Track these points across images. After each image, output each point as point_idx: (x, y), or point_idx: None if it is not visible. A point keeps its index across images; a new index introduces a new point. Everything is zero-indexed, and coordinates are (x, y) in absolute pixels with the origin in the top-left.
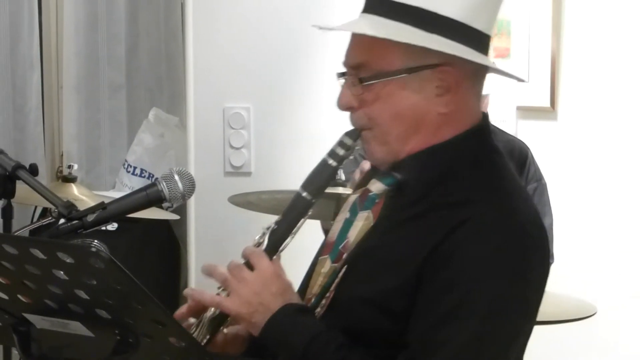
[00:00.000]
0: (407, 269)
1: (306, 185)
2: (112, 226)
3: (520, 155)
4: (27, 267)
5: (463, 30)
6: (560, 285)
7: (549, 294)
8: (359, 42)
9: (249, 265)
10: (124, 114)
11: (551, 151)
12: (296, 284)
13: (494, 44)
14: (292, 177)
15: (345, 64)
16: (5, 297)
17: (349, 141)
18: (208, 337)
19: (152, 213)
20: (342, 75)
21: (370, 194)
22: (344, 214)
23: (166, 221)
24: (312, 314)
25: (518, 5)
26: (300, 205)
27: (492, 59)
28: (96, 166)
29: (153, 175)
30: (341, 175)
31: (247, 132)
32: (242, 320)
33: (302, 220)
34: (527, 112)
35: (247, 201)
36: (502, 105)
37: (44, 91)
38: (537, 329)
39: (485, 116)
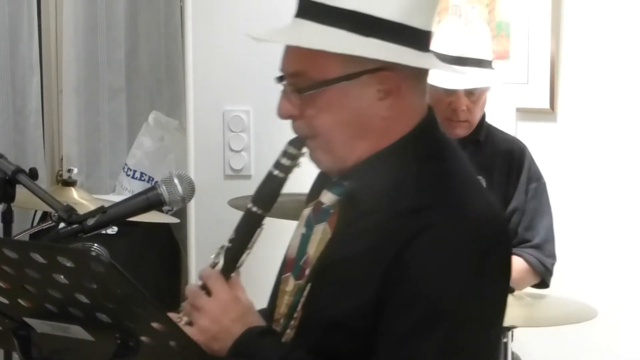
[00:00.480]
0: (368, 286)
1: (255, 199)
2: (112, 230)
3: (520, 155)
4: (27, 271)
5: (401, 30)
6: (561, 287)
7: (549, 297)
8: (295, 50)
9: (207, 289)
10: (124, 118)
11: (551, 153)
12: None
13: (493, 44)
14: (292, 181)
15: (282, 71)
16: (5, 301)
17: (293, 150)
18: None
19: (152, 216)
20: (280, 80)
21: (323, 206)
22: (300, 229)
23: (166, 224)
24: (275, 335)
25: (517, 7)
26: (251, 220)
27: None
28: (96, 170)
29: (153, 179)
30: None
31: (247, 135)
32: (206, 349)
33: (256, 234)
34: (526, 113)
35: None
36: (502, 107)
37: (43, 94)
38: (538, 331)
39: (430, 110)
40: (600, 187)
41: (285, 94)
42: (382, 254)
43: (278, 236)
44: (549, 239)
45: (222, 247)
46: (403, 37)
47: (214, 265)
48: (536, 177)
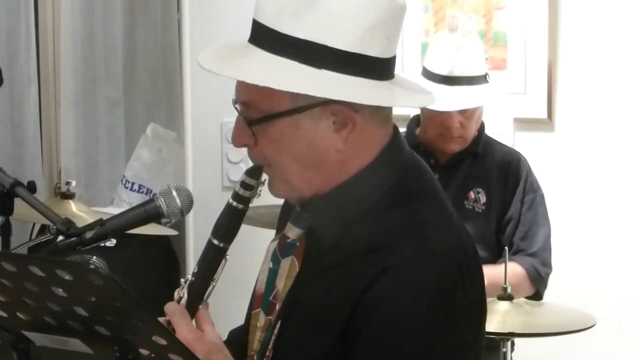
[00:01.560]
0: (333, 330)
1: (215, 232)
2: (111, 242)
3: (518, 167)
4: (26, 284)
5: (355, 60)
6: (559, 296)
7: (547, 305)
8: (245, 82)
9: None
10: (122, 130)
11: (548, 162)
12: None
13: (490, 54)
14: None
15: (236, 97)
16: (4, 314)
17: (250, 181)
18: None
19: (150, 229)
20: (235, 103)
21: (288, 240)
22: (267, 264)
23: (165, 237)
24: None
25: (514, 17)
26: (213, 253)
27: (483, 72)
28: (94, 182)
29: (151, 191)
30: None
31: None
32: None
33: (220, 266)
34: (524, 123)
35: (245, 216)
36: (499, 117)
37: (41, 107)
38: (536, 340)
39: (395, 131)
40: (597, 196)
41: (238, 122)
42: (345, 296)
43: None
44: (545, 248)
45: (185, 281)
46: (359, 67)
47: (179, 300)
48: (534, 189)
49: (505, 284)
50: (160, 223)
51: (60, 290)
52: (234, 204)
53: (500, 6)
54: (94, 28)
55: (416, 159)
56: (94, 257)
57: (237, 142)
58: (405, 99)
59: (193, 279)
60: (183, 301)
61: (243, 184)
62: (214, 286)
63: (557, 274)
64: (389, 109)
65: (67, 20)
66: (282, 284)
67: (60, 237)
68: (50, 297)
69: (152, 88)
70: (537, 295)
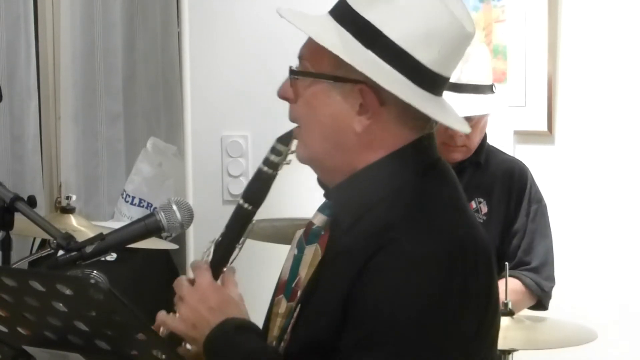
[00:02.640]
0: (336, 307)
1: (245, 195)
2: (111, 256)
3: (521, 177)
4: (27, 299)
5: (402, 57)
6: (560, 309)
7: (548, 320)
8: (308, 38)
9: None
10: (122, 144)
11: (549, 175)
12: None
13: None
14: (290, 205)
15: (298, 55)
16: (5, 329)
17: (281, 147)
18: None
19: (151, 243)
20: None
21: (314, 227)
22: (292, 251)
23: (165, 251)
24: (251, 328)
25: (514, 30)
26: (241, 216)
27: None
28: (94, 196)
29: (152, 205)
30: None
31: (245, 160)
32: (184, 337)
33: (247, 229)
34: (524, 136)
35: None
36: (500, 130)
37: (41, 121)
38: (537, 354)
39: (426, 135)
40: (598, 209)
41: (288, 77)
42: (347, 273)
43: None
44: (548, 262)
45: (212, 241)
46: (402, 64)
47: (204, 259)
48: (537, 199)
49: (505, 299)
50: (160, 237)
51: (61, 304)
52: (264, 168)
53: (500, 19)
54: (94, 42)
55: (443, 164)
56: (95, 272)
57: (280, 92)
58: (434, 111)
59: (220, 238)
60: (208, 260)
61: (274, 150)
62: (239, 250)
63: (558, 287)
64: (422, 117)
65: (67, 33)
66: (305, 272)
67: (61, 252)
68: (51, 311)
69: (152, 102)
70: (541, 306)
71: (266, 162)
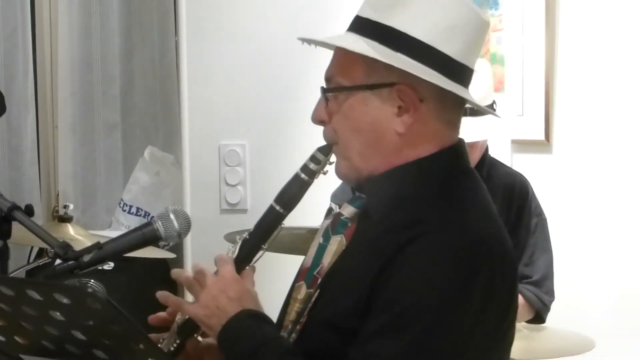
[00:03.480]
0: (360, 290)
1: (278, 198)
2: (109, 266)
3: (521, 190)
4: (24, 308)
5: (430, 52)
6: (558, 320)
7: (547, 330)
8: (334, 57)
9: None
10: (120, 153)
11: (546, 184)
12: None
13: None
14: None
15: (324, 78)
16: (2, 338)
17: (320, 156)
18: (178, 342)
19: (148, 252)
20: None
21: (342, 217)
22: (318, 240)
23: (163, 260)
24: (266, 320)
25: (512, 38)
26: (272, 217)
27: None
28: (92, 205)
29: (149, 214)
30: (336, 209)
31: (242, 169)
32: (201, 324)
33: (275, 232)
34: (522, 145)
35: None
36: (497, 139)
37: (39, 131)
38: None
39: (459, 142)
40: (596, 218)
41: (320, 100)
42: (375, 262)
43: (277, 271)
44: (549, 276)
45: (240, 238)
46: (431, 59)
47: (229, 254)
48: (537, 213)
49: None
50: (158, 246)
51: (58, 314)
52: (301, 175)
53: (498, 28)
54: (92, 52)
55: (473, 171)
56: (92, 281)
57: (313, 117)
58: (466, 95)
59: (248, 237)
60: (233, 255)
61: (313, 158)
62: (264, 250)
63: (556, 297)
64: (456, 114)
65: (64, 44)
66: (328, 261)
67: (58, 261)
68: (48, 321)
69: (150, 111)
70: (539, 319)
71: (304, 169)
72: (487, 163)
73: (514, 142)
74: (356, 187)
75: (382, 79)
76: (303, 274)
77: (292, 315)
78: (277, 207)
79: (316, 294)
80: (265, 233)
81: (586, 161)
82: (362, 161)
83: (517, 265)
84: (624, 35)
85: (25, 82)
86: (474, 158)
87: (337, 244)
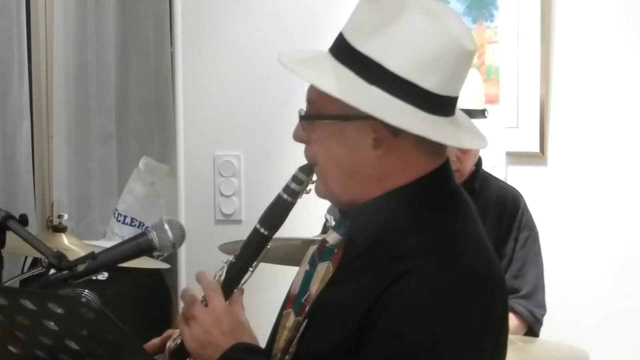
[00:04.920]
0: (352, 324)
1: (263, 220)
2: (103, 275)
3: (513, 204)
4: (18, 317)
5: (406, 87)
6: (553, 332)
7: (540, 342)
8: None
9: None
10: (114, 163)
11: (541, 196)
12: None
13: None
14: (283, 225)
15: (306, 97)
16: None
17: (302, 176)
18: None
19: (142, 262)
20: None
21: (327, 244)
22: (304, 266)
23: (157, 270)
24: (260, 353)
25: (507, 51)
26: (257, 239)
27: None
28: (87, 215)
29: (144, 224)
30: (331, 221)
31: (237, 180)
32: (194, 355)
33: (261, 255)
34: (516, 157)
35: (238, 249)
36: (492, 151)
37: (34, 140)
38: None
39: (443, 165)
40: (590, 231)
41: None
42: (367, 294)
43: (271, 281)
44: (539, 288)
45: (226, 262)
46: (408, 94)
47: (217, 278)
48: (528, 227)
49: None
50: (152, 256)
51: (52, 323)
52: (284, 196)
53: (493, 40)
54: (87, 61)
55: (462, 193)
56: (86, 291)
57: (294, 136)
58: (444, 136)
59: (234, 260)
60: (220, 280)
61: (295, 178)
62: (251, 273)
63: (550, 309)
64: (439, 144)
65: (60, 53)
66: (316, 288)
67: (52, 271)
68: (42, 330)
69: (145, 121)
70: (532, 333)
71: (286, 189)
72: (480, 176)
73: (508, 154)
74: (342, 214)
75: (356, 111)
76: (291, 302)
77: (280, 343)
78: (262, 230)
79: (304, 323)
80: (252, 255)
81: (581, 173)
82: (341, 189)
83: (507, 292)
84: (618, 47)
85: (20, 91)
86: (466, 165)
87: (324, 270)
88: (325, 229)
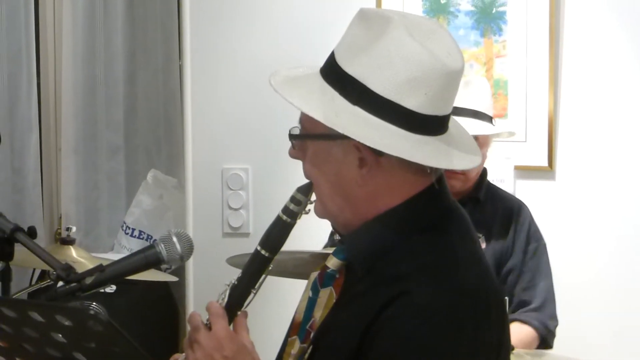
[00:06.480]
0: (351, 350)
1: (263, 242)
2: (111, 288)
3: (519, 215)
4: (26, 330)
5: (389, 107)
6: (560, 345)
7: (549, 356)
8: None
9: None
10: (123, 176)
11: (549, 210)
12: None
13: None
14: (290, 239)
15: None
16: None
17: (300, 197)
18: None
19: (150, 275)
20: None
21: (328, 270)
22: (307, 293)
23: (165, 283)
24: None
25: (515, 65)
26: (258, 261)
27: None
28: (95, 228)
29: (151, 237)
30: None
31: (245, 193)
32: None
33: (263, 276)
34: (524, 171)
35: (242, 267)
36: (500, 165)
37: (42, 153)
38: None
39: (437, 180)
40: (599, 245)
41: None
42: (363, 319)
43: (280, 294)
44: (550, 300)
45: (228, 284)
46: (391, 114)
47: (220, 300)
48: (536, 238)
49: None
50: (160, 269)
51: (60, 335)
52: (284, 217)
53: (501, 54)
54: (96, 75)
55: (456, 209)
56: (94, 303)
57: (289, 154)
58: (426, 156)
59: (236, 283)
60: (223, 303)
61: (293, 199)
62: (254, 295)
63: (558, 322)
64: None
65: (68, 66)
66: (320, 314)
67: (60, 283)
68: (50, 342)
69: (153, 134)
70: (545, 345)
71: (285, 210)
72: (486, 187)
73: (517, 168)
74: (339, 239)
75: (340, 132)
76: (295, 328)
77: None
78: (263, 252)
79: (309, 350)
80: (253, 277)
81: (589, 188)
82: (336, 209)
83: (505, 311)
84: (627, 62)
85: (29, 104)
86: (471, 172)
87: (326, 296)
88: (332, 240)
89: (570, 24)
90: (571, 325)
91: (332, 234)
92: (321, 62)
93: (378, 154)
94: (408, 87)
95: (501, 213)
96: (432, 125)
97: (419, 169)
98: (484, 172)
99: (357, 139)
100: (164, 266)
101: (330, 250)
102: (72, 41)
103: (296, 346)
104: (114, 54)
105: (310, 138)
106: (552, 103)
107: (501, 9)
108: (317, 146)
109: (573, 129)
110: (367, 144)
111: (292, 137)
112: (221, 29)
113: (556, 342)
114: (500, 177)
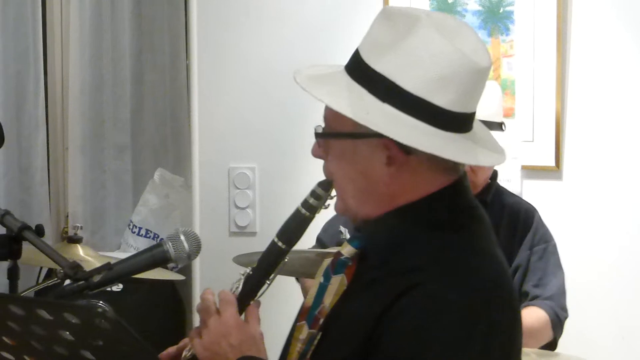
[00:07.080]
0: (361, 338)
1: (280, 234)
2: (118, 287)
3: (527, 217)
4: (33, 327)
5: (419, 104)
6: (567, 345)
7: (557, 355)
8: None
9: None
10: (129, 175)
11: (556, 211)
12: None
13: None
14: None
15: (323, 115)
16: (11, 358)
17: (320, 191)
18: None
19: (157, 274)
20: None
21: (341, 257)
22: (318, 279)
23: (171, 282)
24: None
25: (522, 65)
26: (274, 253)
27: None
28: (101, 227)
29: (158, 236)
30: (346, 234)
31: (252, 192)
32: None
33: (278, 268)
34: (532, 171)
35: (252, 261)
36: (507, 165)
37: (49, 152)
38: None
39: (458, 179)
40: (606, 245)
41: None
42: (375, 308)
43: (286, 293)
44: (561, 292)
45: (243, 274)
46: (421, 111)
47: (234, 289)
48: (544, 240)
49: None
50: (166, 268)
51: (68, 333)
52: (302, 210)
53: (509, 54)
54: (103, 74)
55: (477, 207)
56: (101, 302)
57: (312, 152)
58: (457, 153)
59: (251, 273)
60: (236, 292)
61: (313, 194)
62: (268, 285)
63: (567, 323)
64: (444, 160)
65: (75, 66)
66: (330, 300)
67: (68, 281)
68: (58, 340)
69: (160, 134)
70: (552, 344)
71: (305, 204)
72: (494, 190)
73: (524, 168)
74: (355, 227)
75: (369, 129)
76: (304, 314)
77: (294, 355)
78: (279, 243)
79: (318, 336)
80: (268, 268)
81: (596, 188)
82: (357, 204)
83: (518, 307)
84: (635, 62)
85: (36, 103)
86: (480, 177)
87: (337, 283)
88: (339, 242)
89: (577, 23)
90: (579, 324)
91: (319, 239)
92: (329, 61)
93: (407, 152)
94: (438, 85)
95: (508, 216)
96: (460, 122)
97: (445, 168)
98: (494, 175)
99: (391, 136)
100: (170, 265)
101: (336, 248)
102: (79, 40)
103: (304, 331)
104: (121, 53)
105: (338, 136)
106: (560, 103)
107: (508, 8)
108: (342, 145)
109: (580, 128)
110: (402, 141)
111: (318, 135)
112: (228, 28)
113: (563, 341)
114: (507, 177)
